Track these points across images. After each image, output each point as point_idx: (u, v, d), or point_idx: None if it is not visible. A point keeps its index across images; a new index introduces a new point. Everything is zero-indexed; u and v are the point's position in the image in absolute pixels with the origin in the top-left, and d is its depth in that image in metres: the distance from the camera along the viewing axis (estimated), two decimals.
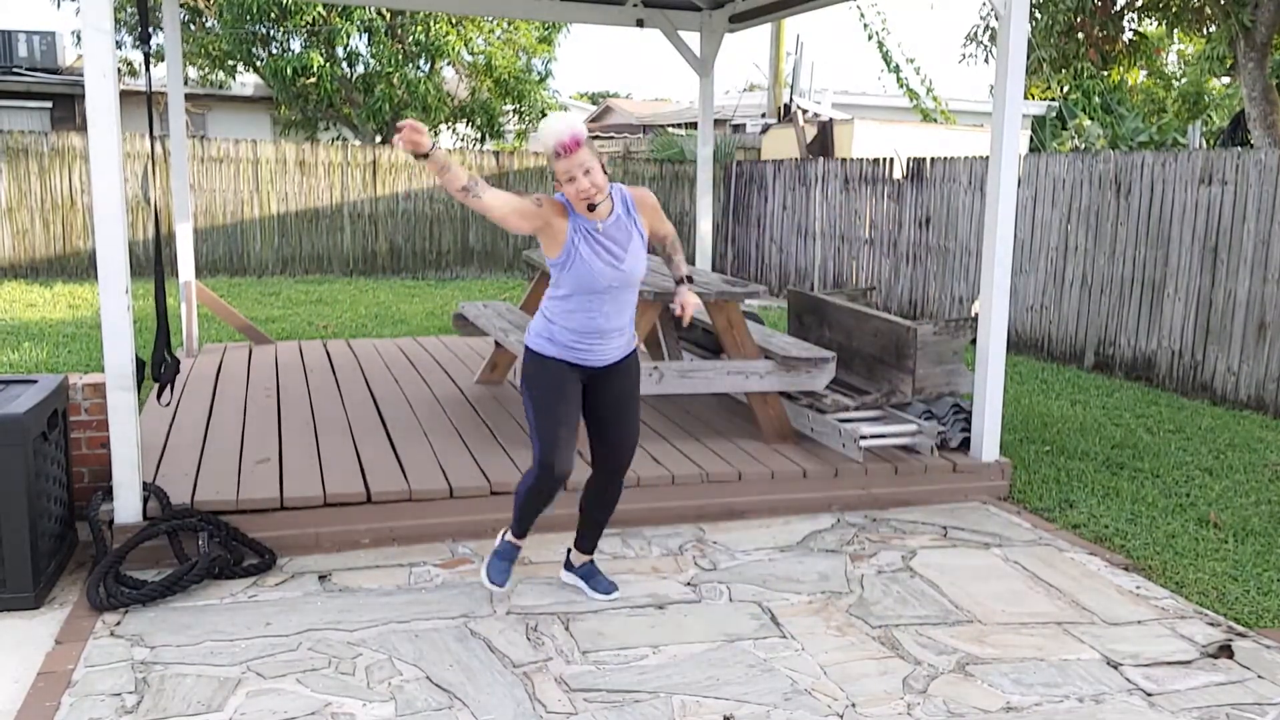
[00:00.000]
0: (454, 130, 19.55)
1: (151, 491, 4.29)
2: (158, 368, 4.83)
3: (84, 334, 9.24)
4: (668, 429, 5.75)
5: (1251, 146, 11.74)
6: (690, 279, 3.88)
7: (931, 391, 5.59)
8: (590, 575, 4.03)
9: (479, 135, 19.11)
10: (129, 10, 17.18)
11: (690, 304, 3.74)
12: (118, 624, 3.66)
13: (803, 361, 5.41)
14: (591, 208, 3.44)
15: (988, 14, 14.24)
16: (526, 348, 3.69)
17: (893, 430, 5.41)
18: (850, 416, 5.59)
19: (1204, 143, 17.78)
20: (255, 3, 15.99)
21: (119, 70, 4.11)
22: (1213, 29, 12.39)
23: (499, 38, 18.45)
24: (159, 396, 5.21)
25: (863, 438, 5.26)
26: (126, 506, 4.18)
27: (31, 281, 13.17)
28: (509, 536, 3.89)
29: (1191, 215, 8.00)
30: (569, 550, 4.09)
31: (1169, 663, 3.57)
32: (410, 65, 17.48)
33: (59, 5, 17.57)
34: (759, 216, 14.99)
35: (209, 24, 17.95)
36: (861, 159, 12.61)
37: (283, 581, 4.06)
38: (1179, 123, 18.19)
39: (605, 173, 3.45)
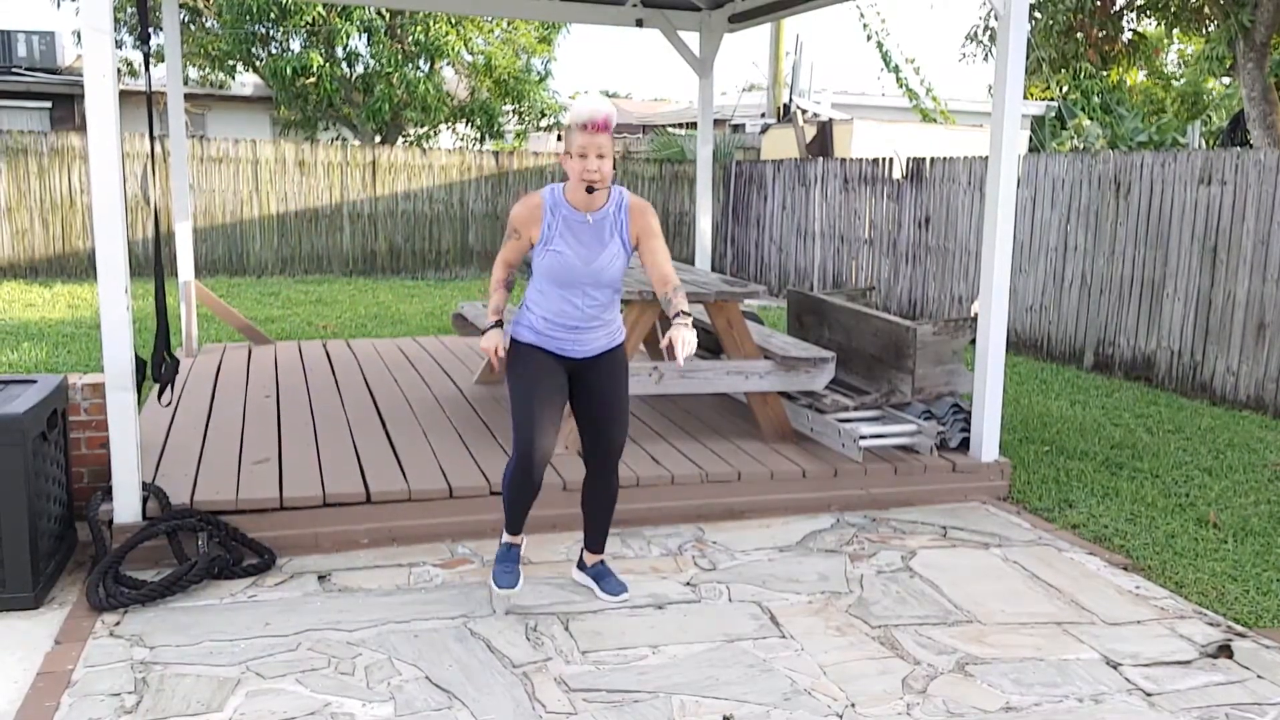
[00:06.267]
0: (454, 130, 19.54)
1: (151, 491, 4.28)
2: (157, 368, 4.83)
3: (83, 334, 9.24)
4: (667, 429, 5.75)
5: (1251, 146, 11.74)
6: (688, 315, 3.42)
7: (931, 391, 5.59)
8: (601, 576, 4.04)
9: (479, 135, 19.09)
10: (129, 10, 17.17)
11: (679, 340, 3.31)
12: (117, 624, 3.66)
13: (802, 361, 5.41)
14: (590, 190, 3.49)
15: (987, 14, 14.25)
16: (510, 336, 3.73)
17: (892, 430, 5.41)
18: (850, 416, 5.60)
19: (1203, 143, 17.78)
20: (255, 3, 15.99)
21: (119, 70, 4.12)
22: (1212, 29, 12.40)
23: (499, 38, 18.44)
24: (159, 396, 5.21)
25: (862, 438, 5.26)
26: (126, 506, 4.18)
27: (31, 281, 13.17)
28: (504, 538, 3.89)
29: (1191, 215, 8.01)
30: (581, 550, 4.12)
31: (1168, 663, 3.57)
32: (410, 65, 17.47)
33: (59, 5, 17.55)
34: (758, 216, 14.99)
35: (209, 24, 17.94)
36: (861, 159, 12.61)
37: (282, 581, 4.06)
38: (1178, 123, 18.19)
39: (614, 169, 3.49)
